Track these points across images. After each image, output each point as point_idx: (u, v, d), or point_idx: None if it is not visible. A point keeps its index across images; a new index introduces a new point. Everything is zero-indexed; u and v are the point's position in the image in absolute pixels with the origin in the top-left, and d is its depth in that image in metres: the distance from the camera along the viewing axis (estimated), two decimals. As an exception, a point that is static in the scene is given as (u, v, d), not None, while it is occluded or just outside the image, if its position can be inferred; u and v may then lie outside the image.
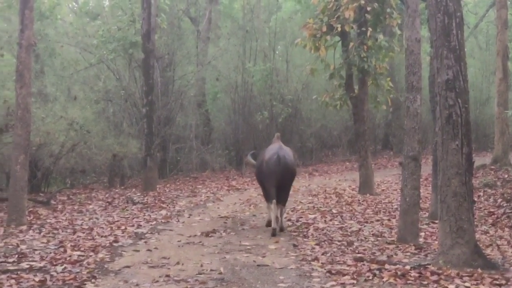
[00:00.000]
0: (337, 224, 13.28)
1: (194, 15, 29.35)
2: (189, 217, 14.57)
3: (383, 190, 19.82)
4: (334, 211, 15.27)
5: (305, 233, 12.15)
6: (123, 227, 12.74)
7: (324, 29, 17.82)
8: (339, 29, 17.59)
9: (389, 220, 13.96)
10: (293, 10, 35.86)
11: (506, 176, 21.11)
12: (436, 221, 13.56)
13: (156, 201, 17.37)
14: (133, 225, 13.09)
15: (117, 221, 13.78)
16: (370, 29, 17.67)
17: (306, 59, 29.59)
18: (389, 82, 19.10)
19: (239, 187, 21.27)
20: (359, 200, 17.39)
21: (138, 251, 10.28)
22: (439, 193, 9.42)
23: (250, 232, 12.35)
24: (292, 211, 15.27)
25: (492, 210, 15.14)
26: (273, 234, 11.91)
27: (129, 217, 14.41)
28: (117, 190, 20.08)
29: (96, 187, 21.22)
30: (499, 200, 16.80)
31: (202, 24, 29.14)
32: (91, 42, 23.63)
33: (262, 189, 13.24)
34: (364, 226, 13.02)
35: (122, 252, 10.21)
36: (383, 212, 15.26)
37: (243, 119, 28.84)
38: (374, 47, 18.09)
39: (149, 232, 12.31)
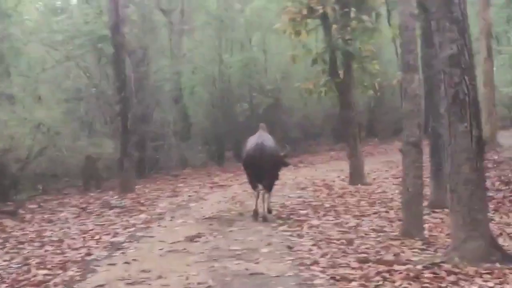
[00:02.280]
0: (332, 220, 12.22)
1: (166, 7, 28.20)
2: (171, 220, 13.36)
3: (374, 179, 18.82)
4: (326, 205, 14.22)
5: (299, 232, 11.05)
6: (97, 237, 11.51)
7: (305, 12, 16.80)
8: (321, 11, 16.55)
9: (387, 212, 12.95)
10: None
11: (496, 157, 20.28)
12: (437, 210, 12.73)
13: (135, 204, 16.21)
14: (109, 234, 11.85)
15: (91, 229, 12.52)
16: (353, 9, 16.64)
17: (285, 48, 28.68)
18: (375, 66, 18.06)
19: (222, 184, 20.18)
20: (351, 191, 16.37)
21: (114, 264, 9.04)
22: (449, 182, 8.47)
23: (239, 234, 11.21)
24: (281, 207, 14.21)
25: (491, 194, 14.09)
26: (254, 213, 12.72)
27: (105, 224, 13.18)
28: (92, 194, 18.93)
29: (70, 192, 20.02)
30: (497, 183, 15.89)
31: (175, 16, 28.00)
32: (56, 38, 22.34)
33: (248, 177, 13.52)
34: (362, 221, 11.99)
35: (96, 267, 8.95)
36: (379, 203, 14.23)
37: (222, 112, 27.90)
38: (358, 29, 17.06)
39: (127, 240, 11.07)
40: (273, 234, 11.13)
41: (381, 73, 20.07)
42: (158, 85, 25.08)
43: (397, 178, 18.50)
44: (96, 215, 14.72)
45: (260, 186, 12.71)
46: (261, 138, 12.99)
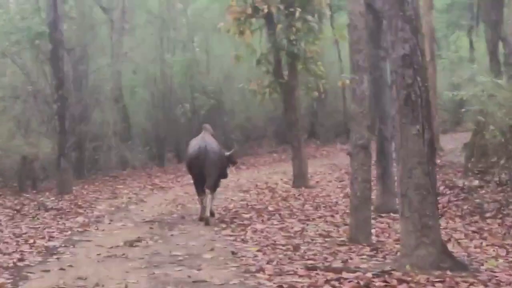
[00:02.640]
0: (277, 224, 11.88)
1: (106, 5, 27.54)
2: (109, 223, 12.85)
3: (317, 182, 18.60)
4: (270, 208, 13.91)
5: (243, 237, 10.67)
6: (31, 241, 10.84)
7: (249, 11, 16.51)
8: (265, 10, 16.24)
9: (332, 216, 12.69)
10: (210, 0, 34.40)
11: (439, 161, 20.24)
12: (383, 215, 12.52)
13: (72, 206, 15.60)
14: (44, 237, 11.23)
15: (25, 233, 11.82)
16: (299, 9, 16.36)
17: (227, 49, 28.36)
18: (320, 67, 17.82)
19: (163, 185, 19.73)
20: (294, 194, 16.10)
21: (48, 271, 8.44)
22: (400, 186, 8.17)
23: (181, 239, 10.77)
24: (224, 210, 13.86)
25: (436, 199, 13.95)
26: (200, 220, 12.46)
27: (40, 227, 12.50)
28: (28, 195, 18.17)
29: (4, 193, 19.22)
30: (441, 188, 15.78)
31: (115, 14, 27.35)
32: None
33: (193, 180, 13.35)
34: (307, 225, 11.67)
35: (29, 274, 8.31)
36: (324, 207, 13.99)
37: (163, 113, 27.47)
38: (303, 29, 16.80)
39: (63, 245, 10.49)
40: (216, 238, 10.74)
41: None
42: (98, 84, 24.39)
43: (341, 181, 18.40)
44: (31, 217, 14.03)
45: (203, 195, 12.49)
46: (204, 139, 12.82)
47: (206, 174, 12.51)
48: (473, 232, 10.81)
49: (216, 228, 11.65)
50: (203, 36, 29.24)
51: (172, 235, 11.23)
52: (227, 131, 27.97)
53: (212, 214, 12.62)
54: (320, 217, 12.59)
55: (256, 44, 17.98)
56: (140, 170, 24.87)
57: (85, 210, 14.86)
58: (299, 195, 15.97)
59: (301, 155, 17.48)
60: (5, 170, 20.00)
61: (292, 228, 11.42)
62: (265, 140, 32.35)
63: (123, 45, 26.70)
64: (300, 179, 17.41)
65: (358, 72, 9.83)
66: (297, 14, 16.37)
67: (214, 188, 12.79)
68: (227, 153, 13.43)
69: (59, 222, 13.10)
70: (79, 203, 16.06)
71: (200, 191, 12.63)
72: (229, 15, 16.96)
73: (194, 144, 12.85)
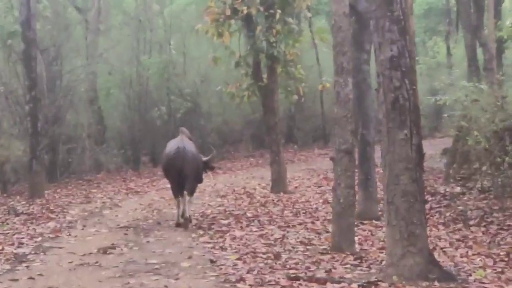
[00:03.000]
0: (256, 231, 11.50)
1: (81, 4, 27.07)
2: (82, 229, 12.39)
3: (296, 187, 18.23)
4: (248, 214, 13.53)
5: (221, 244, 10.29)
6: None
7: (228, 12, 16.09)
8: (245, 11, 15.86)
9: (313, 223, 12.33)
10: (187, 2, 34.01)
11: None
12: (366, 222, 12.19)
13: (44, 211, 15.10)
14: (13, 244, 10.75)
15: None
16: (279, 11, 16.02)
17: (204, 51, 28.01)
18: (300, 70, 17.49)
19: (138, 190, 19.26)
20: (273, 200, 15.72)
21: (16, 280, 8.01)
22: (386, 193, 7.86)
23: (157, 246, 10.37)
24: (202, 216, 13.47)
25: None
26: (177, 226, 12.22)
27: (9, 232, 11.98)
28: (-2, 199, 17.74)
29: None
30: (423, 194, 15.47)
31: (91, 14, 26.88)
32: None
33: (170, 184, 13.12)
34: (288, 232, 11.31)
35: None
36: (303, 213, 13.63)
37: (139, 115, 26.96)
38: (283, 32, 16.46)
39: (32, 252, 10.02)
40: (194, 246, 10.35)
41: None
42: (72, 85, 23.85)
43: (320, 187, 18.09)
44: (0, 222, 13.56)
45: (181, 197, 12.21)
46: (182, 142, 12.54)
47: (183, 177, 12.22)
48: (458, 240, 10.52)
49: (193, 235, 11.26)
50: (180, 38, 28.74)
51: (147, 241, 10.83)
52: (204, 134, 27.53)
53: (189, 219, 12.24)
54: (300, 224, 12.23)
55: (234, 46, 17.64)
56: (114, 174, 24.38)
57: (57, 215, 14.37)
58: (278, 200, 15.60)
59: (279, 160, 17.12)
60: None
61: (272, 235, 11.06)
62: (241, 144, 31.97)
63: (99, 46, 26.25)
64: (278, 184, 17.06)
65: (342, 74, 9.49)
66: (278, 16, 16.01)
67: (191, 192, 12.50)
68: (205, 158, 13.27)
69: (30, 228, 12.61)
70: (51, 208, 15.57)
71: (177, 194, 12.33)
72: (207, 16, 16.53)
73: (172, 146, 12.60)
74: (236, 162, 27.71)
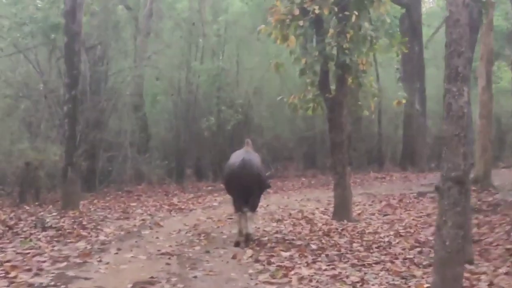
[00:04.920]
0: (326, 270, 9.38)
1: (132, 3, 25.43)
2: (117, 253, 10.36)
3: (359, 214, 16.07)
4: (313, 246, 11.41)
5: (287, 287, 8.23)
6: (13, 273, 8.35)
7: (297, 12, 14.06)
8: (316, 11, 13.83)
9: (392, 262, 10.16)
10: (240, 12, 32.26)
11: (490, 198, 17.75)
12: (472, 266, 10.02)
13: (75, 226, 13.19)
14: (30, 270, 8.74)
15: (9, 260, 9.37)
16: (356, 13, 13.96)
17: (257, 62, 26.31)
18: (372, 82, 15.42)
19: (182, 207, 17.29)
20: (337, 229, 13.59)
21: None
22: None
23: (206, 284, 8.30)
24: (258, 244, 11.42)
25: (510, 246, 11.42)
26: (236, 245, 11.36)
27: (29, 252, 10.02)
28: (28, 208, 15.92)
29: (2, 203, 16.98)
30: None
31: (142, 14, 25.22)
32: (2, 24, 19.11)
33: (231, 197, 12.21)
34: (365, 274, 9.20)
35: None
36: (377, 248, 11.47)
37: (186, 125, 25.26)
38: (357, 37, 14.39)
39: (52, 283, 8.01)
40: (252, 286, 8.32)
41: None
42: (117, 88, 22.15)
43: (385, 215, 16.02)
44: (23, 238, 11.66)
45: (241, 213, 11.45)
46: (247, 154, 11.84)
47: (247, 191, 11.51)
48: None
49: (250, 271, 9.18)
50: (234, 46, 26.92)
51: (195, 277, 8.76)
52: (254, 150, 25.59)
53: (250, 237, 11.51)
54: (377, 263, 10.08)
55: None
56: (156, 186, 22.69)
57: (89, 233, 12.42)
58: (342, 229, 13.49)
59: (345, 183, 15.02)
60: (5, 176, 17.70)
61: (347, 276, 8.95)
62: (293, 162, 30.03)
63: (147, 48, 24.53)
64: (342, 210, 14.94)
65: (456, 81, 7.40)
66: (353, 18, 13.95)
67: (253, 207, 11.78)
68: (267, 174, 12.37)
69: (55, 248, 10.63)
70: (84, 223, 13.66)
71: (239, 208, 11.54)
72: (271, 16, 14.51)
73: (237, 157, 11.83)
74: (287, 181, 25.74)
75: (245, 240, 11.37)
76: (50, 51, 19.02)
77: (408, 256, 10.47)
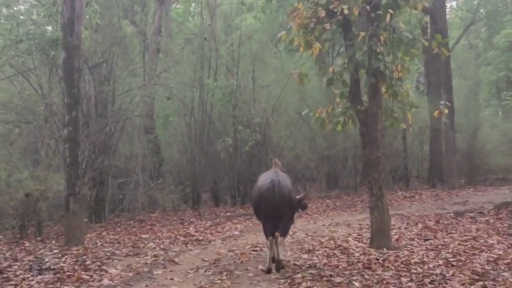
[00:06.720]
0: (380, 318, 7.65)
1: (138, 22, 23.90)
2: (122, 304, 8.69)
3: (396, 240, 14.27)
4: (356, 284, 9.63)
5: None
6: None
7: (322, 14, 12.37)
8: (345, 11, 12.09)
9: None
10: (254, 29, 30.79)
11: None
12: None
13: (77, 266, 11.43)
14: None
15: None
16: (390, 11, 12.20)
17: (273, 79, 24.81)
18: (408, 91, 13.62)
19: (200, 238, 15.48)
20: (378, 259, 11.78)
21: None
22: None
23: None
24: (290, 285, 9.65)
25: None
26: (268, 272, 10.78)
27: None
28: (27, 245, 14.21)
29: (1, 240, 15.30)
30: None
31: (150, 30, 23.68)
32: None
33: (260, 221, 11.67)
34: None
35: None
36: (431, 284, 9.69)
37: (200, 147, 23.55)
38: (392, 41, 12.65)
39: None
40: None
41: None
42: (126, 110, 20.52)
43: (427, 239, 14.19)
44: (14, 284, 9.93)
45: (271, 238, 10.78)
46: (277, 175, 11.25)
47: (277, 215, 10.89)
48: None
49: (287, 323, 7.45)
50: (249, 62, 25.31)
51: (219, 334, 7.03)
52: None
53: (281, 263, 10.84)
54: (437, 305, 8.34)
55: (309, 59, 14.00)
56: (171, 214, 21.05)
57: (91, 276, 10.59)
58: (383, 260, 11.71)
59: (382, 206, 13.23)
60: (3, 209, 16.05)
61: (407, 327, 7.18)
62: (314, 183, 28.31)
63: (157, 65, 22.90)
64: (381, 237, 13.13)
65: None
66: (388, 18, 12.21)
67: (285, 233, 11.20)
68: (298, 196, 11.65)
69: (48, 299, 8.94)
70: (87, 262, 11.87)
71: (269, 234, 10.84)
72: (293, 21, 12.77)
73: (265, 179, 11.26)
74: (310, 203, 23.94)
75: (276, 265, 10.77)
76: (50, 70, 17.34)
77: (473, 294, 8.71)
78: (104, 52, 19.26)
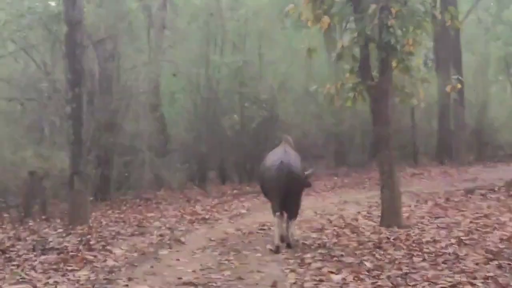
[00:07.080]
0: (393, 300, 7.36)
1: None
2: (126, 285, 8.35)
3: (407, 218, 13.93)
4: (367, 264, 9.32)
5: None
6: None
7: (331, -15, 12.03)
8: (355, -17, 11.73)
9: (472, 284, 8.07)
10: (261, 4, 30.42)
11: None
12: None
13: (81, 246, 11.22)
14: None
15: None
16: (403, -20, 11.83)
17: (280, 55, 24.50)
18: (420, 65, 13.26)
19: (206, 216, 15.22)
20: (389, 238, 11.47)
21: None
22: None
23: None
24: (300, 265, 9.38)
25: None
26: (276, 251, 10.42)
27: None
28: (31, 224, 14.00)
29: (5, 219, 15.09)
30: None
31: (155, 6, 23.37)
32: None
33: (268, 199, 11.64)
34: (445, 304, 7.13)
35: None
36: (444, 263, 9.36)
37: (207, 124, 23.32)
38: (406, 14, 12.27)
39: None
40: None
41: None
42: (131, 87, 20.25)
43: (437, 217, 13.89)
44: (16, 265, 9.69)
45: (278, 213, 10.67)
46: (286, 155, 10.89)
47: (286, 197, 10.66)
48: None
49: (297, 305, 7.17)
50: (256, 38, 25.00)
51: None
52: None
53: (289, 245, 10.69)
54: (453, 286, 8.03)
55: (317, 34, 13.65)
56: (177, 192, 20.82)
57: (96, 255, 10.30)
58: (395, 239, 11.41)
59: (392, 184, 12.90)
60: (7, 188, 15.86)
61: (421, 310, 6.89)
62: (322, 160, 28.03)
63: (163, 41, 22.62)
64: (391, 215, 12.83)
65: None
66: (399, -11, 11.84)
67: (294, 215, 11.02)
68: (306, 172, 11.40)
69: (50, 280, 8.57)
70: (92, 242, 11.62)
71: (277, 211, 10.69)
72: (302, -8, 12.43)
73: (274, 159, 10.90)
74: (318, 180, 23.61)
75: (292, 243, 10.70)
76: (53, 45, 17.05)
77: (488, 274, 8.37)
78: (108, 27, 18.96)
